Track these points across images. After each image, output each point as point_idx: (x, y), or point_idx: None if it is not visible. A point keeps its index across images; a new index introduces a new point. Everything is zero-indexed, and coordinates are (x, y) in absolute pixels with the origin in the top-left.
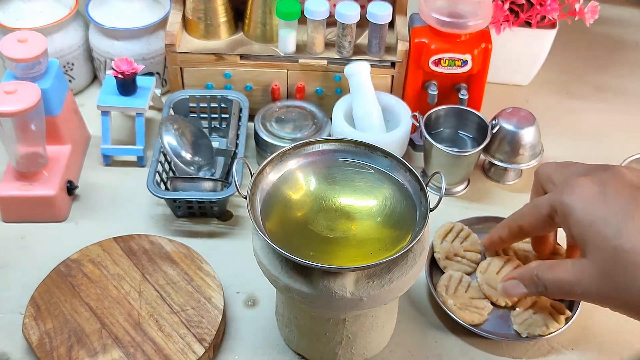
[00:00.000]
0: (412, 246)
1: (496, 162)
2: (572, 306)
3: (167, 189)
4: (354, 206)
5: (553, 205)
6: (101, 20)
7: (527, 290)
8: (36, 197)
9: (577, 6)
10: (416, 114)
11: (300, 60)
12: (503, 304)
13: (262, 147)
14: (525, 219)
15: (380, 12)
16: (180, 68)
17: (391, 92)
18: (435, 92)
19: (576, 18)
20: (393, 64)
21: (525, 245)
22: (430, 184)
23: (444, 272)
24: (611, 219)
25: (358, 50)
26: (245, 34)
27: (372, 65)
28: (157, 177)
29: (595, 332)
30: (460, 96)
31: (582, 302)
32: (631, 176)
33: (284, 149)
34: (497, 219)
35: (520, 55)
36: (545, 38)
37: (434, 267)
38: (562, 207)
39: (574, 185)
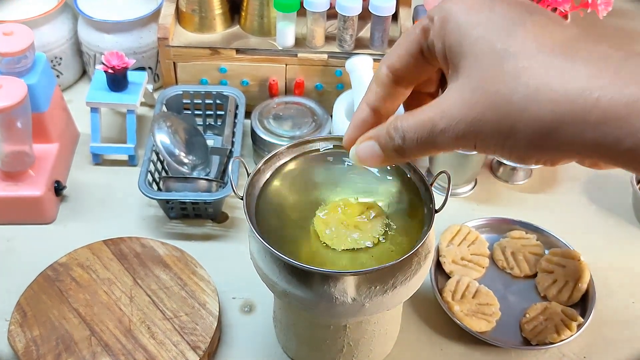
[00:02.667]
0: (416, 249)
1: (505, 162)
2: (584, 313)
3: (159, 189)
4: (356, 207)
5: (430, 15)
6: (90, 13)
7: (382, 152)
8: (22, 197)
9: None
10: None
11: (299, 55)
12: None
13: (259, 146)
14: (395, 51)
15: (383, 4)
16: (174, 62)
17: None
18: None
19: (589, 10)
20: None
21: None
22: (435, 184)
23: (450, 277)
24: (499, 23)
25: (360, 44)
26: (242, 26)
27: (374, 60)
28: (149, 177)
29: (609, 340)
30: None
31: (594, 310)
32: None
33: (282, 147)
34: (506, 221)
35: None
36: None
37: (440, 272)
38: (440, 14)
39: None
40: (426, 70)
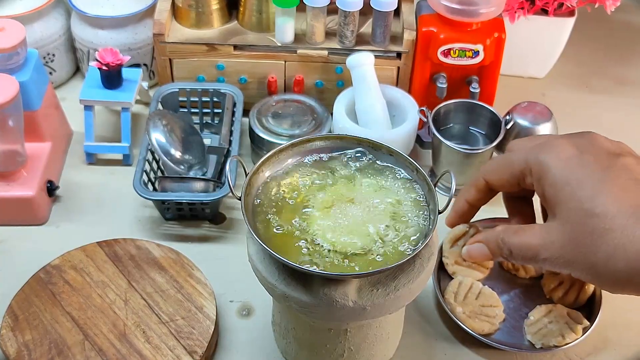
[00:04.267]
0: (419, 251)
1: None
2: (590, 316)
3: (155, 189)
4: (358, 208)
5: (528, 162)
6: (84, 8)
7: (491, 255)
8: (14, 198)
9: None
10: (424, 108)
11: (298, 51)
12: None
13: (257, 145)
14: (496, 174)
15: None
16: (170, 59)
17: (397, 85)
18: (445, 85)
19: (596, 5)
20: (399, 55)
21: None
22: (439, 184)
23: (452, 278)
24: (586, 182)
25: (361, 40)
26: (240, 22)
27: (376, 56)
28: (145, 177)
29: (615, 343)
30: (472, 89)
31: (601, 314)
32: (608, 143)
33: (281, 146)
34: None
35: (536, 45)
36: (562, 27)
37: (442, 273)
38: (538, 165)
39: (553, 145)
40: (519, 190)
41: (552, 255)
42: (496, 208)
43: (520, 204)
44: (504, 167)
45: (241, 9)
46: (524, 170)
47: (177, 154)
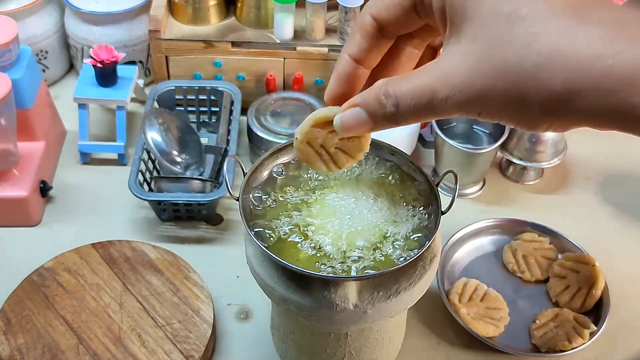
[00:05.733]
0: (421, 253)
1: (515, 161)
2: (597, 321)
3: (150, 189)
4: (358, 208)
5: None
6: (78, 4)
7: (371, 120)
8: (6, 199)
9: None
10: None
11: (298, 48)
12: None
13: (255, 144)
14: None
15: None
16: (166, 56)
17: None
18: None
19: None
20: None
21: None
22: (441, 184)
23: (458, 279)
24: None
25: None
26: (238, 18)
27: None
28: (140, 177)
29: (622, 349)
30: None
31: (608, 318)
32: None
33: (280, 145)
34: (517, 222)
35: None
36: None
37: (446, 274)
38: None
39: None
40: (414, 24)
41: (455, 89)
42: (500, 208)
43: (417, 56)
44: None
45: (239, 4)
46: None
47: (174, 154)
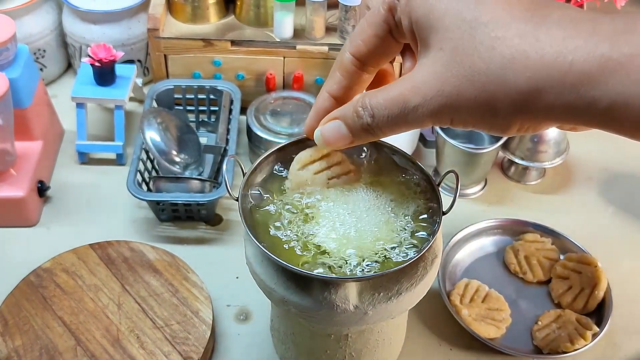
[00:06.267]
0: (422, 254)
1: (516, 160)
2: (600, 322)
3: (149, 190)
4: (358, 209)
5: None
6: (76, 2)
7: (349, 132)
8: (3, 199)
9: None
10: None
11: (298, 47)
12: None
13: (255, 144)
14: (360, 35)
15: None
16: (164, 55)
17: None
18: None
19: (606, 0)
20: None
21: None
22: (443, 184)
23: (459, 280)
24: None
25: None
26: (237, 17)
27: None
28: (139, 177)
29: (625, 350)
30: None
31: (610, 320)
32: None
33: (280, 145)
34: (520, 223)
35: None
36: None
37: (448, 274)
38: None
39: None
40: (393, 51)
41: (426, 96)
42: (502, 209)
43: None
44: (369, 19)
45: (238, 3)
46: (391, 5)
47: (173, 153)
